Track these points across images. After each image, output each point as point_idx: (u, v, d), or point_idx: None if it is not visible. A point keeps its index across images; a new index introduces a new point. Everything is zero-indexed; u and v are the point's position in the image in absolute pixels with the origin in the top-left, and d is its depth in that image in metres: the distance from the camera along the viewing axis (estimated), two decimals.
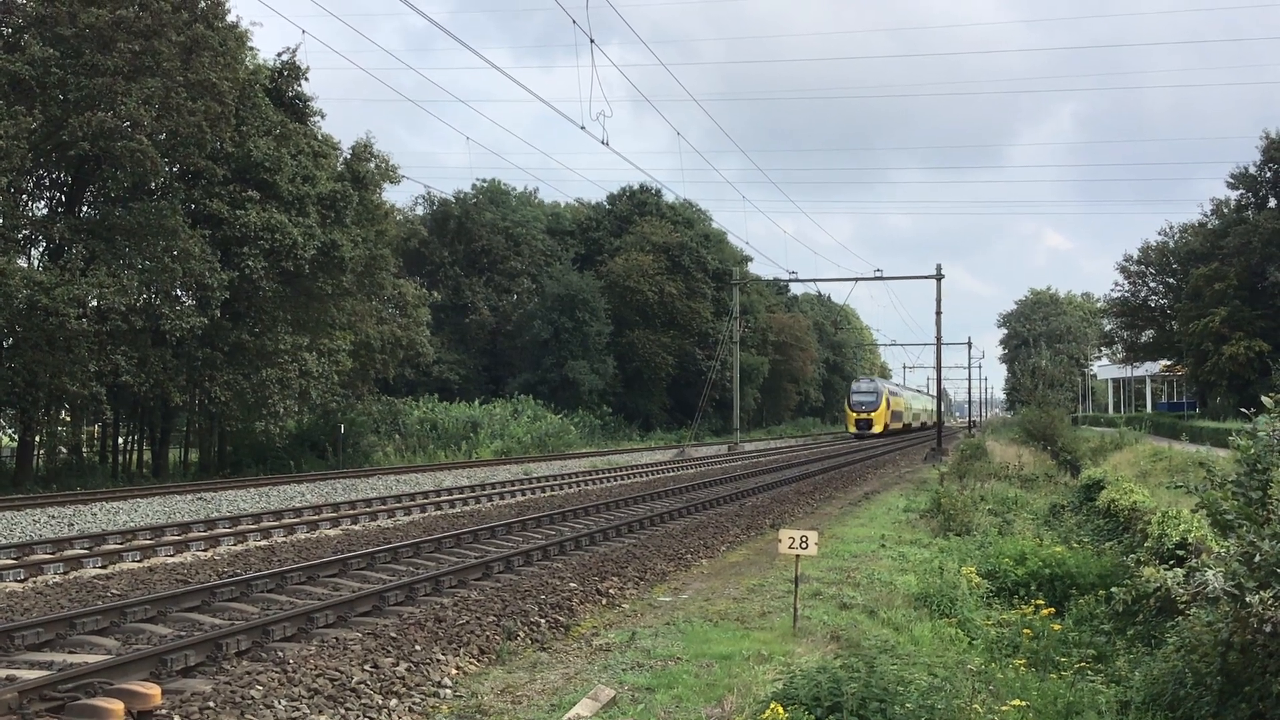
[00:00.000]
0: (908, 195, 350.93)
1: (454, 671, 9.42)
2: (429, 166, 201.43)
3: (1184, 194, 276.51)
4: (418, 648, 9.84)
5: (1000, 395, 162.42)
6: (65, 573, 14.41)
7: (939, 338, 54.19)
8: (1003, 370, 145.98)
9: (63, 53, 27.42)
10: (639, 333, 72.13)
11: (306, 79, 36.95)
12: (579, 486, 30.79)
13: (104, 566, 15.02)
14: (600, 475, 34.69)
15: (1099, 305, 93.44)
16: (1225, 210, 64.82)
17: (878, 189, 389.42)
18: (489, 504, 25.21)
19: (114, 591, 12.65)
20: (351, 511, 22.05)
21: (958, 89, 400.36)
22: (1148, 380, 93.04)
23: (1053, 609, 13.51)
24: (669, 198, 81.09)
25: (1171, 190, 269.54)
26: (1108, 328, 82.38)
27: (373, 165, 38.71)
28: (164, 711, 7.56)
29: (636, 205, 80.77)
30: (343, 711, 8.01)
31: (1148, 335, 74.90)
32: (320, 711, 7.93)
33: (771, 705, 6.84)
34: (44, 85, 27.33)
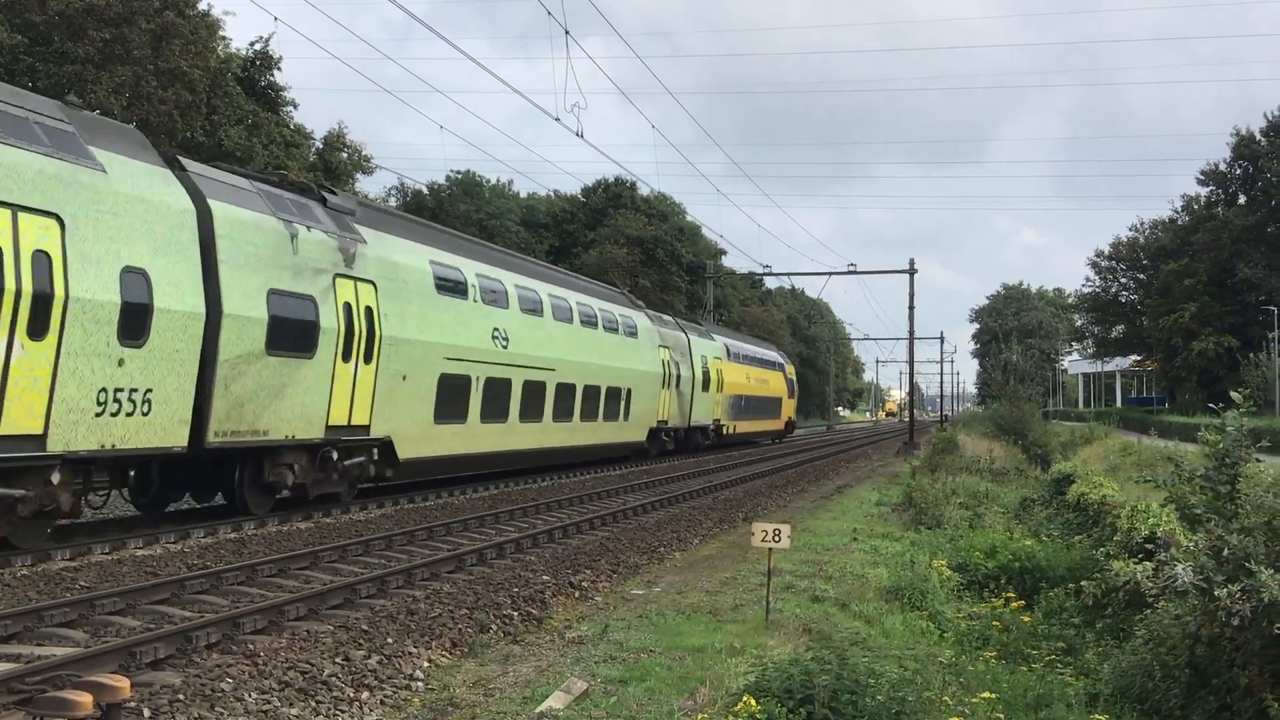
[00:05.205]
0: (888, 190, 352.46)
1: (426, 664, 9.39)
2: (412, 158, 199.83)
3: (1164, 191, 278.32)
4: (389, 640, 9.80)
5: (972, 389, 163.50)
6: (32, 565, 14.25)
7: (911, 332, 54.48)
8: (975, 365, 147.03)
9: (32, 39, 27.12)
10: None
11: (279, 68, 36.81)
12: (551, 479, 30.74)
13: (72, 558, 14.87)
14: (573, 467, 34.61)
15: (1070, 300, 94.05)
16: (1196, 207, 65.35)
17: (858, 184, 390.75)
18: (461, 496, 25.13)
19: (82, 584, 12.52)
20: (322, 504, 21.89)
21: (943, 84, 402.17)
22: (1118, 375, 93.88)
23: (1023, 602, 13.64)
24: (644, 190, 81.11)
25: (1152, 187, 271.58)
26: (1078, 323, 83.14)
27: (345, 155, 38.55)
28: (133, 704, 7.49)
29: (611, 198, 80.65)
30: (314, 704, 7.97)
31: (1118, 330, 75.59)
32: (291, 704, 7.89)
33: (744, 697, 6.86)
34: (12, 73, 27.00)
